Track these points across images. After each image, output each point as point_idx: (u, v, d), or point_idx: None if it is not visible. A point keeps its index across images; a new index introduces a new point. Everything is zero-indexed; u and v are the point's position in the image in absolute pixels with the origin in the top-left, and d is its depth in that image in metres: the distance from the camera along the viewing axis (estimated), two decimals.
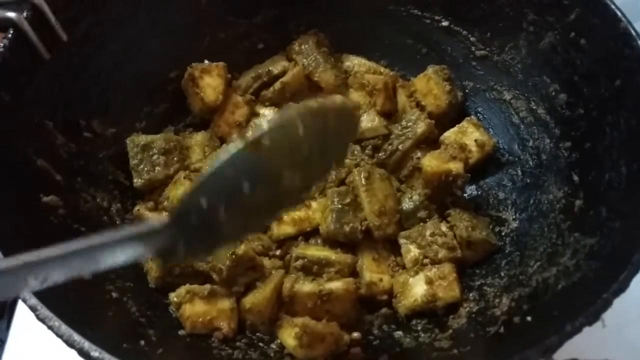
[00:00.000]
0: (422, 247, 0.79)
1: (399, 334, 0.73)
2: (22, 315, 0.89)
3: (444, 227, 0.80)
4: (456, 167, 0.81)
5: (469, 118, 0.90)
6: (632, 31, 0.70)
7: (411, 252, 0.79)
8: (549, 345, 0.49)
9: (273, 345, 0.71)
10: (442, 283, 0.75)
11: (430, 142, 0.89)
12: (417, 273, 0.77)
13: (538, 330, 0.54)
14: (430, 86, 0.91)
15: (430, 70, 0.92)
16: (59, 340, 0.80)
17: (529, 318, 0.61)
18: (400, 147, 0.88)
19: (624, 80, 0.70)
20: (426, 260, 0.78)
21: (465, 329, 0.69)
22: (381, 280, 0.78)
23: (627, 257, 0.54)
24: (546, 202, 0.77)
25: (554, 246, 0.70)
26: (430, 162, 0.82)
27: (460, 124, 0.89)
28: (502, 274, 0.74)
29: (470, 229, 0.79)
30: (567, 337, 0.50)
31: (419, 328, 0.73)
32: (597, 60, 0.75)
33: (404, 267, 0.80)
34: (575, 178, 0.74)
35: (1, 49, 0.68)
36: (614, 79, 0.71)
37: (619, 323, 0.84)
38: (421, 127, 0.87)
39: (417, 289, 0.75)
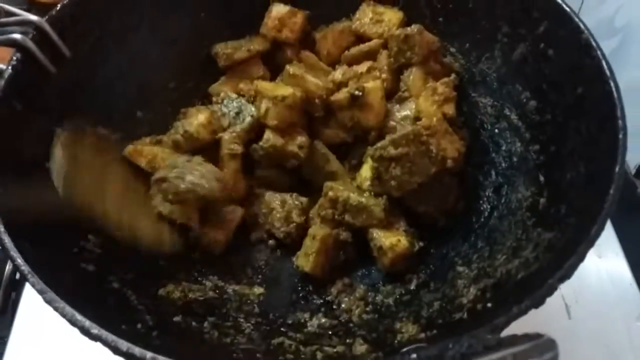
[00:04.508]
0: None
1: (376, 320, 0.79)
2: (25, 313, 0.94)
3: None
4: None
5: None
6: (593, 42, 0.76)
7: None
8: (497, 325, 0.55)
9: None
10: None
11: None
12: None
13: (494, 314, 0.59)
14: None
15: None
16: (60, 339, 0.87)
17: (489, 305, 0.67)
18: None
19: (585, 88, 0.76)
20: None
21: (435, 316, 0.75)
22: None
23: (574, 248, 0.60)
24: (515, 200, 0.82)
25: (518, 241, 0.75)
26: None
27: None
28: (473, 267, 0.79)
29: None
30: (514, 318, 0.55)
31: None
32: (563, 69, 0.81)
33: None
34: (542, 178, 0.80)
35: (14, 63, 0.76)
36: (576, 87, 0.77)
37: (583, 316, 0.91)
38: None
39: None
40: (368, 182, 0.87)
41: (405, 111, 0.94)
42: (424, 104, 0.91)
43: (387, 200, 0.86)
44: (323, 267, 0.86)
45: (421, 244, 0.87)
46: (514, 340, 0.49)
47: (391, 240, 0.84)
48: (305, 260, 0.85)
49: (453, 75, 0.94)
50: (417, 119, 0.91)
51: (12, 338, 0.92)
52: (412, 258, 0.86)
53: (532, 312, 0.56)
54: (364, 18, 1.01)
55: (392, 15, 1.00)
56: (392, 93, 0.96)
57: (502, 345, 0.49)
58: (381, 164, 0.84)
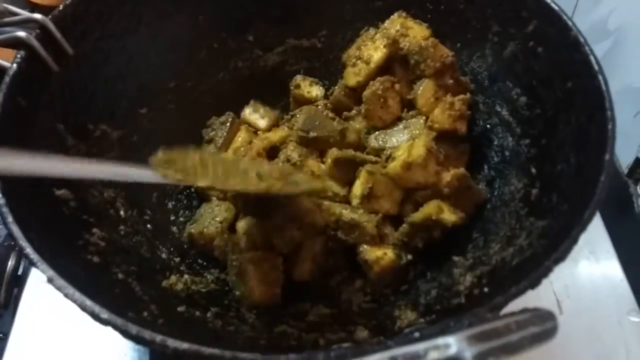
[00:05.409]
0: None
1: (375, 309, 0.81)
2: (27, 309, 0.95)
3: None
4: None
5: None
6: (581, 39, 0.79)
7: None
8: (495, 304, 0.57)
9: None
10: None
11: None
12: None
13: (492, 297, 0.61)
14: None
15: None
16: (61, 335, 0.88)
17: (486, 289, 0.69)
18: None
19: (574, 82, 0.78)
20: None
21: (433, 302, 0.77)
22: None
23: (568, 232, 0.62)
24: (508, 192, 0.85)
25: (512, 230, 0.78)
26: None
27: None
28: (468, 256, 0.82)
29: None
30: (512, 298, 0.57)
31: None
32: (552, 65, 0.84)
33: None
34: (533, 170, 0.82)
35: (18, 60, 0.77)
36: (566, 82, 0.80)
37: (575, 311, 0.93)
38: None
39: None
40: (357, 200, 0.88)
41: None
42: (440, 116, 0.91)
43: (381, 218, 0.86)
44: (312, 272, 0.87)
45: (409, 257, 0.87)
46: (514, 315, 0.51)
47: (377, 253, 0.85)
48: (295, 266, 0.87)
49: (468, 94, 0.94)
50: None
51: (14, 334, 0.92)
52: (401, 270, 0.87)
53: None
54: (392, 29, 0.99)
55: (418, 32, 0.99)
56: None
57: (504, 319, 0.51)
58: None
